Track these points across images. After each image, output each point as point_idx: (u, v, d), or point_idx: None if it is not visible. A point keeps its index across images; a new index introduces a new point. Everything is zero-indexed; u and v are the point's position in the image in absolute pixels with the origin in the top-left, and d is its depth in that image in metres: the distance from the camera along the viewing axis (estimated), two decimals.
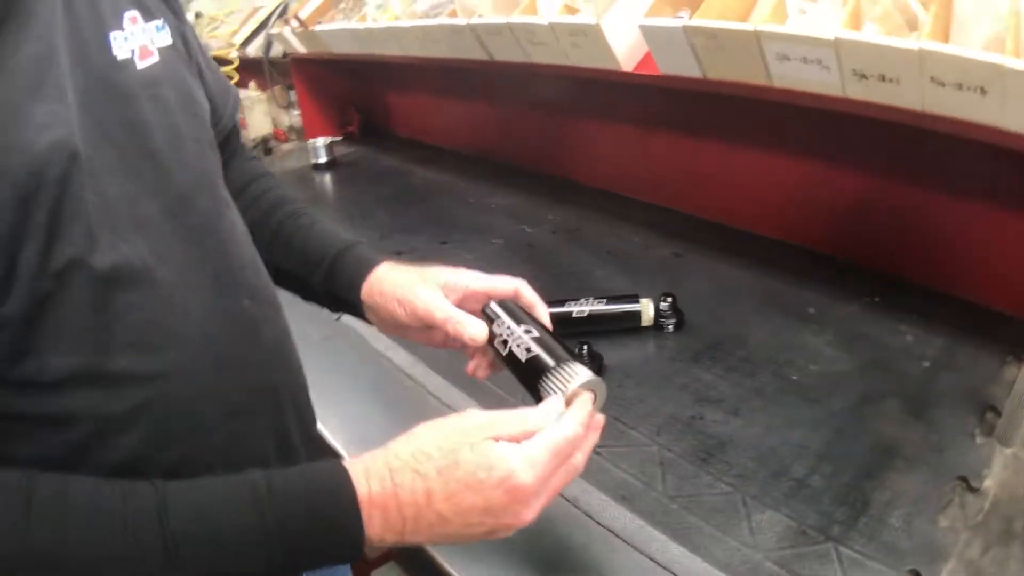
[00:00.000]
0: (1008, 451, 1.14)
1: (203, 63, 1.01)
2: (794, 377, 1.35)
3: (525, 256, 1.97)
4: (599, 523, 1.07)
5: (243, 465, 0.72)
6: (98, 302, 0.71)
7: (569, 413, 0.79)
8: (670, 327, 1.53)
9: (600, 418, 0.84)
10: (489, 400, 1.32)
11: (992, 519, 1.02)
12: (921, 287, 1.62)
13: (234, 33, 3.63)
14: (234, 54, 3.46)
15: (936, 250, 1.60)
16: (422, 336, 1.03)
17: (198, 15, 4.99)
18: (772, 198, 1.90)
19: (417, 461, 0.73)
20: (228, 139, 1.11)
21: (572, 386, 0.82)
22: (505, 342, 0.91)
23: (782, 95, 1.36)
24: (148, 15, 0.83)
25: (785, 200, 1.88)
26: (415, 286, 0.98)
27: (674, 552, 1.00)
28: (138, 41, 0.80)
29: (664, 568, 0.98)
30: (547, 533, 1.05)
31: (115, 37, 0.77)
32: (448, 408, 1.34)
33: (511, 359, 0.90)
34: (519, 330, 0.91)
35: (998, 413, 1.19)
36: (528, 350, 0.88)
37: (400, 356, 1.52)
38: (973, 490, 1.07)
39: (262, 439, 0.89)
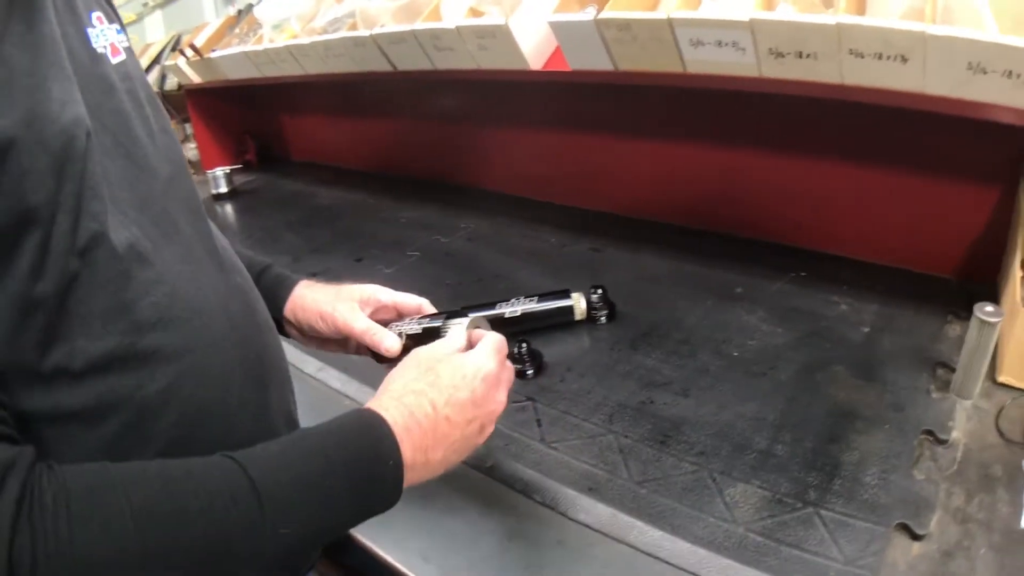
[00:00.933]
0: (968, 403, 1.13)
1: None
2: (735, 354, 1.31)
3: (445, 265, 1.89)
4: (571, 518, 1.01)
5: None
6: (121, 279, 0.71)
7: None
8: (603, 318, 1.49)
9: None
10: None
11: (968, 468, 1.01)
12: (848, 259, 1.61)
13: None
14: None
15: (860, 221, 1.60)
16: (339, 346, 1.12)
17: None
18: (683, 187, 1.89)
19: (412, 387, 0.81)
20: None
21: (465, 324, 0.94)
22: (402, 334, 1.05)
23: (692, 81, 1.34)
24: (109, 18, 0.85)
25: (697, 188, 1.86)
26: (335, 302, 1.07)
27: (654, 536, 0.95)
28: (108, 39, 0.82)
29: (647, 554, 0.93)
30: (520, 534, 1.00)
31: (89, 34, 0.79)
32: None
33: (415, 339, 1.02)
34: (413, 320, 1.07)
35: (950, 368, 1.19)
36: (420, 324, 1.04)
37: (331, 375, 1.44)
38: (941, 442, 1.06)
39: (276, 413, 0.91)
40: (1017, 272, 1.19)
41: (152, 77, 3.30)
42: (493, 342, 0.88)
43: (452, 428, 0.80)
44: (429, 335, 1.00)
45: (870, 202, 1.57)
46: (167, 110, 2.72)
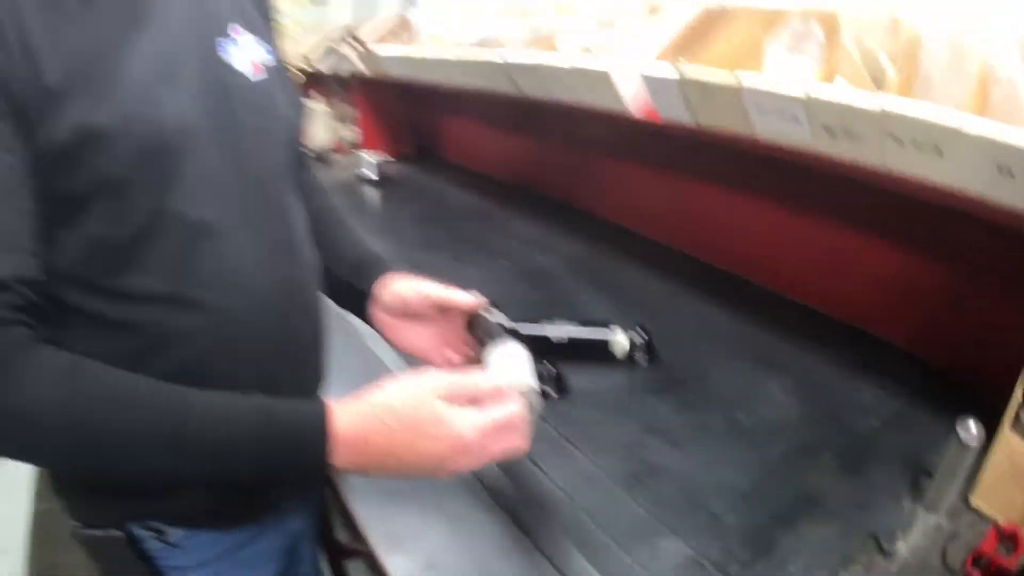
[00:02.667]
0: (932, 518, 1.12)
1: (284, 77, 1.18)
2: (742, 419, 1.36)
3: (529, 281, 2.01)
4: (517, 525, 1.11)
5: None
6: (186, 245, 0.91)
7: (517, 402, 0.92)
8: (641, 359, 1.54)
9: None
10: None
11: None
12: (897, 348, 1.61)
13: (309, 50, 3.76)
14: (305, 67, 3.63)
15: (915, 314, 1.59)
16: (416, 334, 1.20)
17: None
18: (769, 249, 1.91)
19: (385, 414, 0.85)
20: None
21: (517, 382, 0.98)
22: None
23: (763, 147, 1.38)
24: (251, 27, 1.04)
25: (780, 252, 1.88)
26: (421, 278, 1.18)
27: (576, 563, 1.03)
28: (250, 56, 1.01)
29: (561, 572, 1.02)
30: (473, 533, 1.11)
31: (224, 44, 0.98)
32: None
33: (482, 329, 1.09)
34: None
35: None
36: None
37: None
38: (884, 552, 1.06)
39: (284, 386, 1.03)
40: (1017, 394, 1.14)
41: (328, 61, 3.55)
42: (494, 419, 0.87)
43: (397, 461, 0.85)
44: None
45: (927, 298, 1.55)
46: (334, 91, 3.01)
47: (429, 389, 0.87)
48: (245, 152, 0.98)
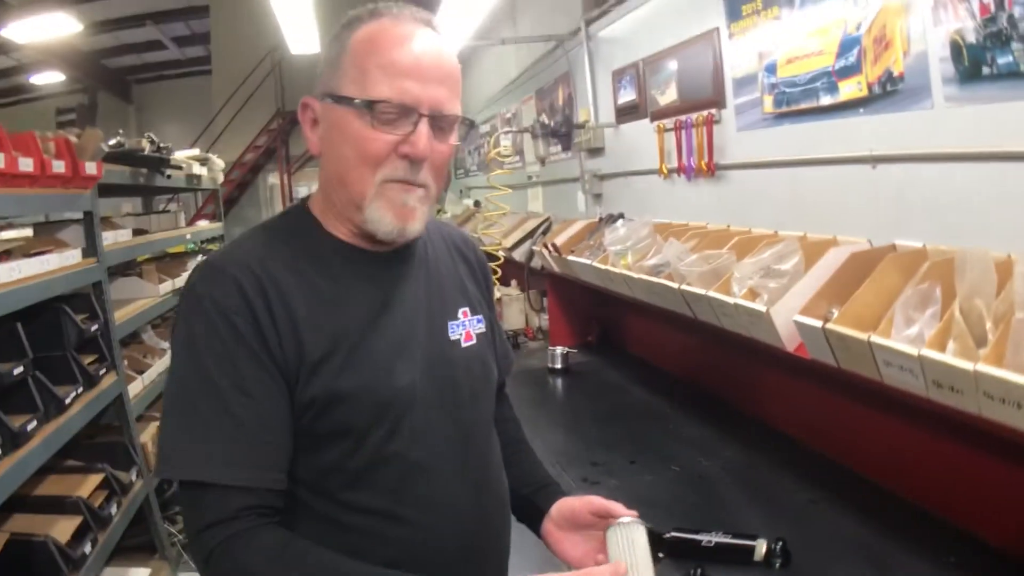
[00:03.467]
0: None
1: (496, 337, 1.49)
2: None
3: (694, 487, 2.36)
4: None
5: None
6: (403, 477, 1.20)
7: None
8: (777, 564, 1.89)
9: None
10: None
11: None
12: (994, 549, 1.86)
13: (505, 235, 4.38)
14: (501, 253, 4.28)
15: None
16: (576, 545, 1.39)
17: (476, 203, 5.85)
18: (899, 457, 2.21)
19: None
20: (498, 387, 1.52)
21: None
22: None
23: (888, 389, 1.76)
24: (474, 311, 1.37)
25: (909, 461, 2.17)
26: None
27: None
28: (465, 328, 1.33)
29: None
30: None
31: (452, 325, 1.31)
32: None
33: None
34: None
35: None
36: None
37: None
38: None
39: None
40: None
41: (522, 250, 4.15)
42: None
43: None
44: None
45: None
46: (528, 281, 3.72)
47: None
48: (456, 406, 1.28)
